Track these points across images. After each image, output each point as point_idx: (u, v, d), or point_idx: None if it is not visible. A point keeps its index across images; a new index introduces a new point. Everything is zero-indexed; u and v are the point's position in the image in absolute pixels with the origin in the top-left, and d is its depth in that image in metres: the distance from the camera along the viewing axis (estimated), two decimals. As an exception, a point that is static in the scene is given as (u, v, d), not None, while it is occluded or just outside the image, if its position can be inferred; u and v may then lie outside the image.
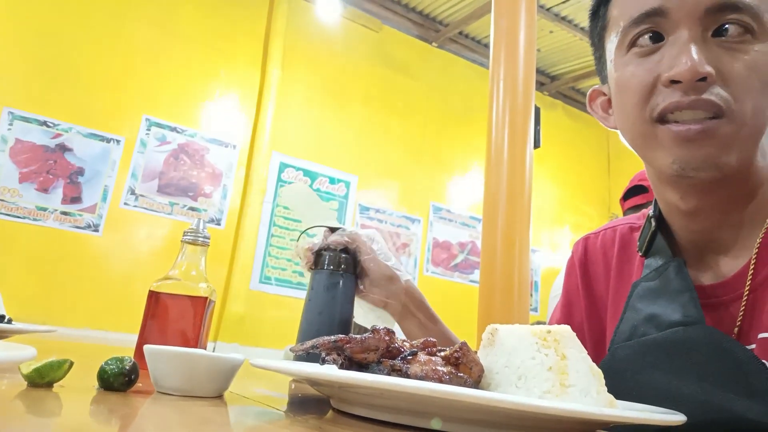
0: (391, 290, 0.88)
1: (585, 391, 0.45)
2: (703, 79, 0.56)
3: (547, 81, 5.71)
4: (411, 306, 0.91)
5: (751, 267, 0.61)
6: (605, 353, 0.68)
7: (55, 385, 0.47)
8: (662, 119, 0.60)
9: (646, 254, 0.71)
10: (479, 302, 1.81)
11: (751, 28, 0.57)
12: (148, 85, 3.94)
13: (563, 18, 4.83)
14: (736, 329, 0.62)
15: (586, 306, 0.80)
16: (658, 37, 0.61)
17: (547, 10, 4.73)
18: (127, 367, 0.48)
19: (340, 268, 0.84)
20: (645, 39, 0.61)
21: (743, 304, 0.61)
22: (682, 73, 0.56)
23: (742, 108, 0.56)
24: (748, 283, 0.61)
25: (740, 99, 0.56)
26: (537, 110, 2.04)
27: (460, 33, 5.27)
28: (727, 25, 0.57)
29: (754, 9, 0.57)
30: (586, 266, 0.82)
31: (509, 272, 1.75)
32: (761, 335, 0.59)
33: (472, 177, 5.22)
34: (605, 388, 0.47)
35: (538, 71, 5.38)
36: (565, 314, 0.83)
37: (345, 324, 0.84)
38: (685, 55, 0.56)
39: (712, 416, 0.55)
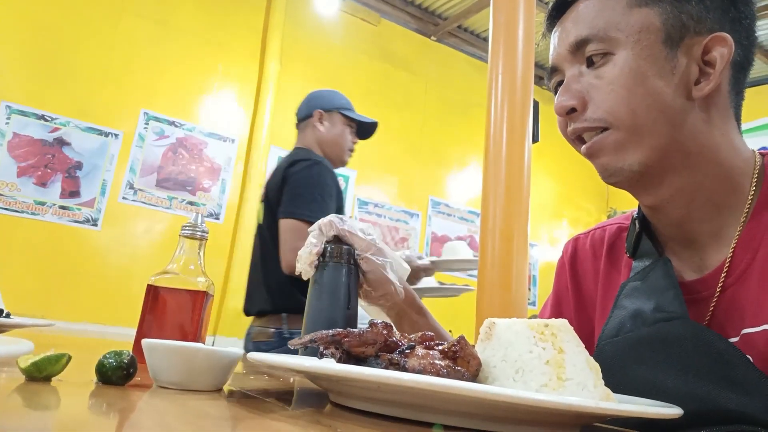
0: (385, 291, 0.87)
1: (582, 384, 0.45)
2: (573, 110, 0.67)
3: (545, 75, 5.69)
4: (404, 305, 0.91)
5: (727, 263, 0.63)
6: (593, 351, 0.69)
7: (53, 379, 0.47)
8: (579, 138, 0.69)
9: (634, 255, 0.73)
10: (477, 296, 1.81)
11: (608, 50, 0.65)
12: (146, 79, 3.93)
13: (562, 12, 4.81)
14: (714, 323, 0.63)
15: (575, 305, 0.82)
16: (562, 83, 0.71)
17: (546, 3, 4.71)
18: (126, 361, 0.48)
19: (344, 260, 0.83)
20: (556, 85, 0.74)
21: (714, 299, 0.64)
22: (556, 110, 0.69)
23: (619, 115, 0.63)
24: (722, 278, 0.63)
25: (613, 110, 0.64)
26: (536, 104, 2.04)
27: (459, 27, 5.26)
28: (591, 57, 0.66)
29: (602, 34, 0.65)
30: (576, 266, 0.84)
31: (507, 266, 1.76)
32: (745, 330, 0.60)
33: (471, 171, 5.22)
34: (602, 382, 0.47)
35: (537, 65, 5.37)
36: (555, 313, 0.85)
37: (353, 316, 0.83)
38: (558, 95, 0.69)
39: (695, 408, 0.56)
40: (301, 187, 1.76)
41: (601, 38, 0.64)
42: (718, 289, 0.64)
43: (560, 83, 0.70)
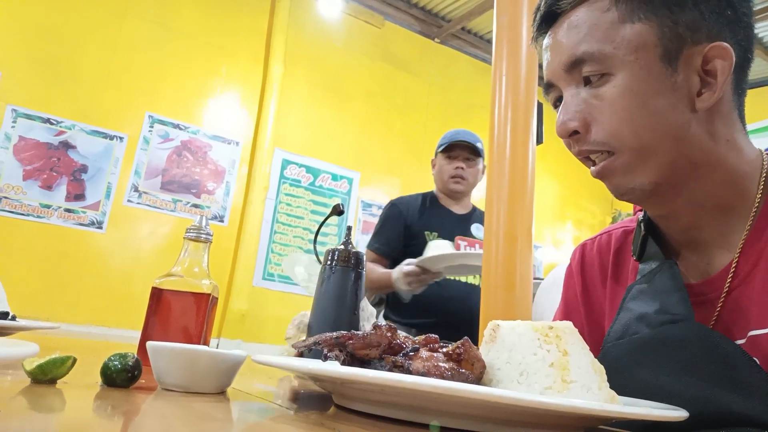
0: None
1: (586, 387, 0.45)
2: (576, 132, 0.65)
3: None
4: None
5: (733, 265, 0.63)
6: None
7: (58, 381, 0.47)
8: (587, 158, 0.68)
9: (640, 259, 0.73)
10: (481, 299, 1.81)
11: (605, 72, 0.63)
12: (151, 82, 3.94)
13: (566, 13, 4.80)
14: (720, 325, 0.63)
15: (585, 312, 0.82)
16: (560, 99, 0.69)
17: (550, 5, 4.71)
18: (130, 364, 0.48)
19: (352, 265, 0.85)
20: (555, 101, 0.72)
21: (720, 301, 0.63)
22: (558, 133, 0.67)
23: (623, 138, 0.62)
24: (728, 280, 0.63)
25: (617, 133, 0.62)
26: (540, 106, 2.03)
27: (463, 29, 5.26)
28: (588, 76, 0.64)
29: (597, 54, 0.62)
30: (584, 273, 0.84)
31: (511, 268, 1.75)
32: (751, 332, 0.60)
33: (475, 173, 5.21)
34: (607, 384, 0.47)
35: (541, 67, 5.36)
36: None
37: (358, 320, 0.84)
38: (559, 116, 0.66)
39: (699, 410, 0.55)
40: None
41: (597, 59, 0.62)
42: (724, 292, 0.63)
43: (559, 99, 0.69)
